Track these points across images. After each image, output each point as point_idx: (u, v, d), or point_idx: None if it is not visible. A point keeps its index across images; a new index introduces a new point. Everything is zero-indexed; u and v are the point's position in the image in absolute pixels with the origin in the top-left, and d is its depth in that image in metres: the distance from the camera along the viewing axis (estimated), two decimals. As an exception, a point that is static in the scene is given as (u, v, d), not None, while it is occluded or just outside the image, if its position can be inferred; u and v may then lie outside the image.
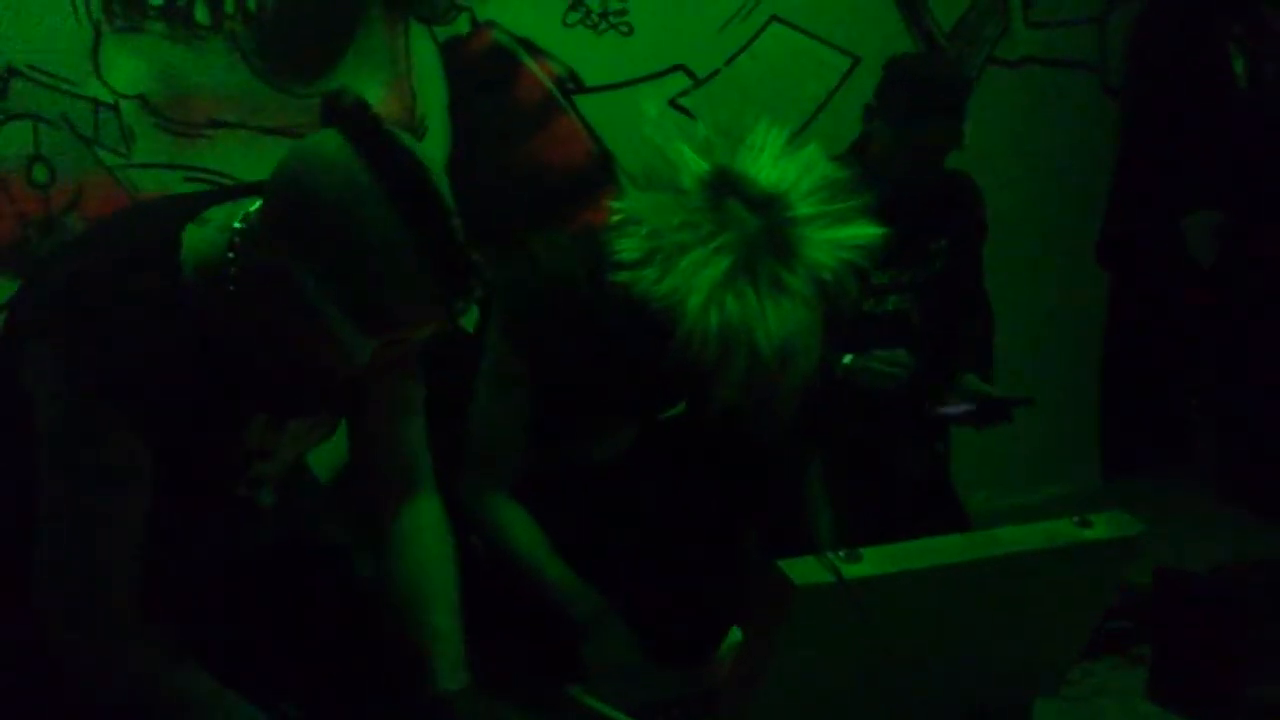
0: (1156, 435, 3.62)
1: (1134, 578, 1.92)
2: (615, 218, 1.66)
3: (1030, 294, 2.84)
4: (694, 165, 1.63)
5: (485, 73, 2.62)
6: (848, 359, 2.43)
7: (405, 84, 2.54)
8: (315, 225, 1.24)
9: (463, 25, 2.59)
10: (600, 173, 2.75)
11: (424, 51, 2.55)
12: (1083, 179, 3.30)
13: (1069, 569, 1.72)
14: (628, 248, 1.63)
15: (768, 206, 1.60)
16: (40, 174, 2.22)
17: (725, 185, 1.62)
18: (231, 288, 1.31)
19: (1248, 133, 3.15)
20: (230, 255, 1.32)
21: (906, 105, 2.43)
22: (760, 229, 1.59)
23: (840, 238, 1.62)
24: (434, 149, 2.52)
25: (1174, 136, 3.23)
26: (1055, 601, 1.75)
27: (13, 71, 2.17)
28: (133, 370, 1.30)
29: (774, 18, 2.90)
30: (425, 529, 1.61)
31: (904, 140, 2.43)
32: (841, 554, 1.49)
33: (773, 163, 1.63)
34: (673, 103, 2.79)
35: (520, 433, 1.90)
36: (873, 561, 1.51)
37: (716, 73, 2.84)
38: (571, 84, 2.71)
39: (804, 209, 1.61)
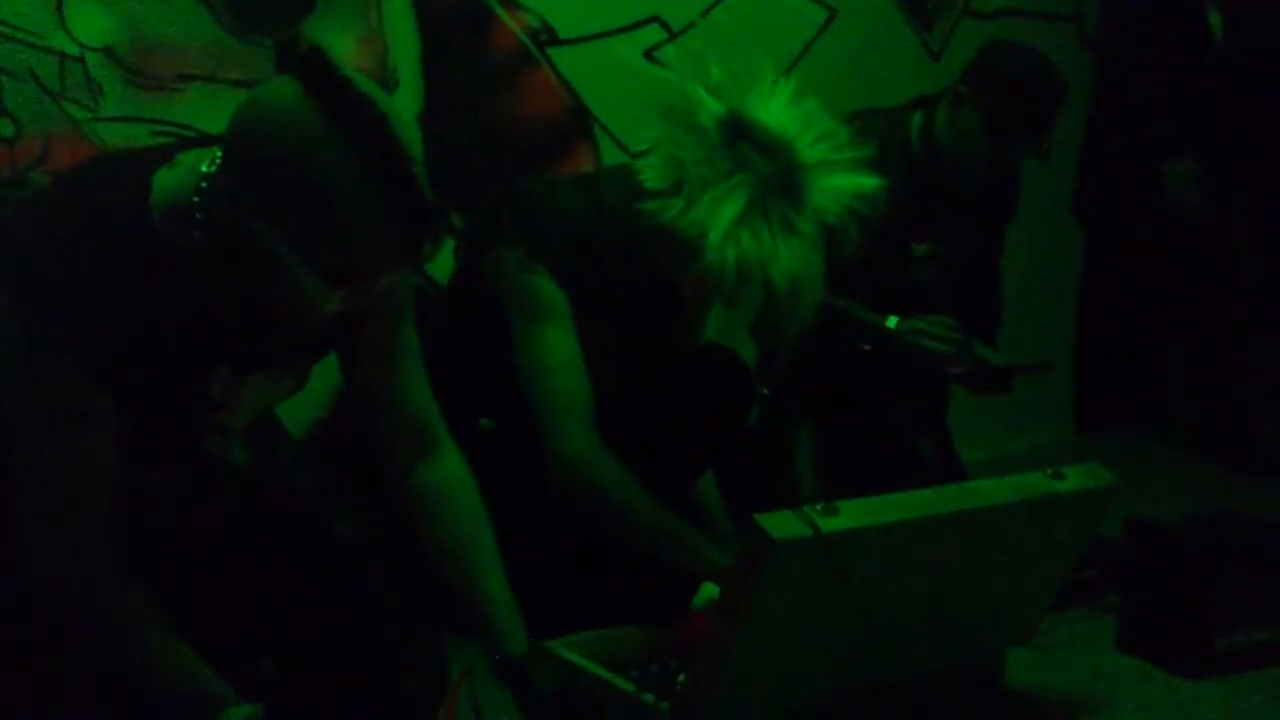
0: (1129, 390, 3.65)
1: (1105, 530, 1.94)
2: (642, 145, 1.84)
3: (1007, 247, 2.85)
4: (710, 105, 1.77)
5: (458, 25, 2.58)
6: (893, 321, 2.43)
7: (376, 36, 2.51)
8: (272, 176, 1.22)
9: (435, -24, 2.55)
10: (575, 126, 2.73)
11: (395, 3, 2.51)
12: (1059, 131, 3.30)
13: (1042, 521, 1.74)
14: (655, 176, 1.80)
15: (777, 151, 1.76)
16: (6, 128, 2.18)
17: (738, 128, 1.76)
18: (196, 233, 1.30)
19: (1224, 81, 3.14)
20: (195, 200, 1.30)
21: (1008, 114, 2.40)
22: (771, 172, 1.74)
23: (843, 185, 1.78)
24: (406, 102, 2.49)
25: (1150, 87, 3.23)
26: (1028, 553, 1.77)
27: (-25, 24, 2.13)
28: (87, 312, 1.28)
29: (751, -31, 2.87)
30: (455, 486, 1.60)
31: (994, 141, 2.42)
32: (818, 508, 1.50)
33: (781, 110, 1.78)
34: (647, 55, 2.76)
35: (583, 367, 1.89)
36: (849, 515, 1.53)
37: (692, 25, 2.80)
38: (545, 36, 2.68)
39: (810, 155, 1.77)
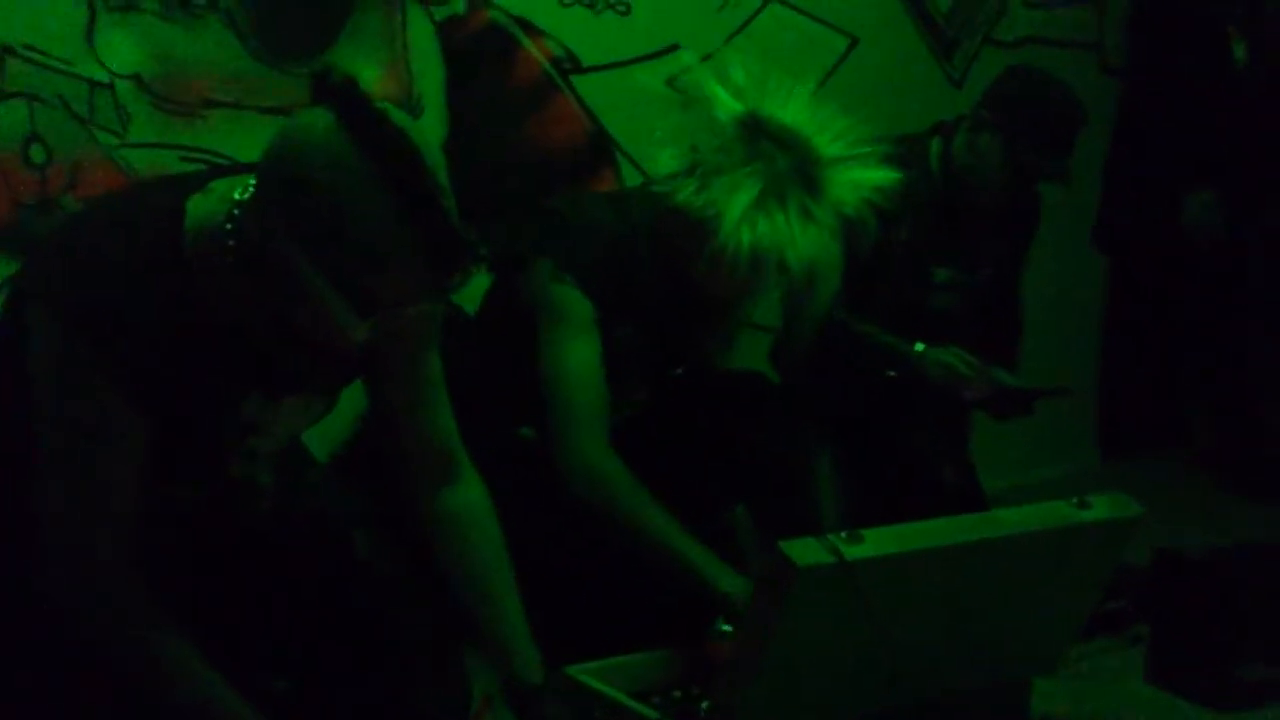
0: (1154, 418, 3.63)
1: (1132, 558, 1.93)
2: (657, 134, 1.85)
3: (1029, 275, 2.84)
4: (728, 103, 1.80)
5: (482, 53, 2.60)
6: (920, 347, 2.43)
7: (401, 63, 2.53)
8: (305, 206, 1.24)
9: (459, 5, 2.57)
10: (598, 154, 2.74)
11: (420, 31, 2.54)
12: (1080, 160, 3.30)
13: (1068, 550, 1.73)
14: (669, 158, 1.82)
15: (796, 147, 1.78)
16: (37, 154, 2.20)
17: (756, 126, 1.78)
18: (229, 260, 1.31)
19: (1247, 112, 3.14)
20: (228, 227, 1.31)
21: (1025, 137, 2.41)
22: (789, 166, 1.76)
23: (862, 178, 1.80)
24: (431, 129, 2.51)
25: (1172, 116, 3.22)
26: (1054, 582, 1.76)
27: (8, 51, 2.15)
28: (124, 333, 1.30)
29: (772, -3, 2.89)
30: (475, 513, 1.60)
31: (1013, 163, 2.42)
32: (843, 535, 1.50)
33: (799, 110, 1.81)
34: (670, 84, 2.78)
35: (605, 381, 1.89)
36: (874, 543, 1.52)
37: (715, 53, 2.82)
38: (569, 64, 2.69)
39: (829, 151, 1.79)
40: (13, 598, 1.43)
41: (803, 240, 1.74)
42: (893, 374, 2.47)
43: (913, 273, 2.52)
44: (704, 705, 1.68)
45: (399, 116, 1.28)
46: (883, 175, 1.81)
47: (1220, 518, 2.97)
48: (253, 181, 1.31)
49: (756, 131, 1.78)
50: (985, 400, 2.54)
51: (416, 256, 1.25)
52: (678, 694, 1.75)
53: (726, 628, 1.77)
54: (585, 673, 1.71)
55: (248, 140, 2.30)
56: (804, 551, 1.46)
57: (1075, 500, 1.73)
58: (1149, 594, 2.13)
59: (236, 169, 1.43)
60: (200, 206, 1.35)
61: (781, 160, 1.76)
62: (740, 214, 1.73)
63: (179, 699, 1.37)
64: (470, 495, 1.61)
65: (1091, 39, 3.46)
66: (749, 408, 2.12)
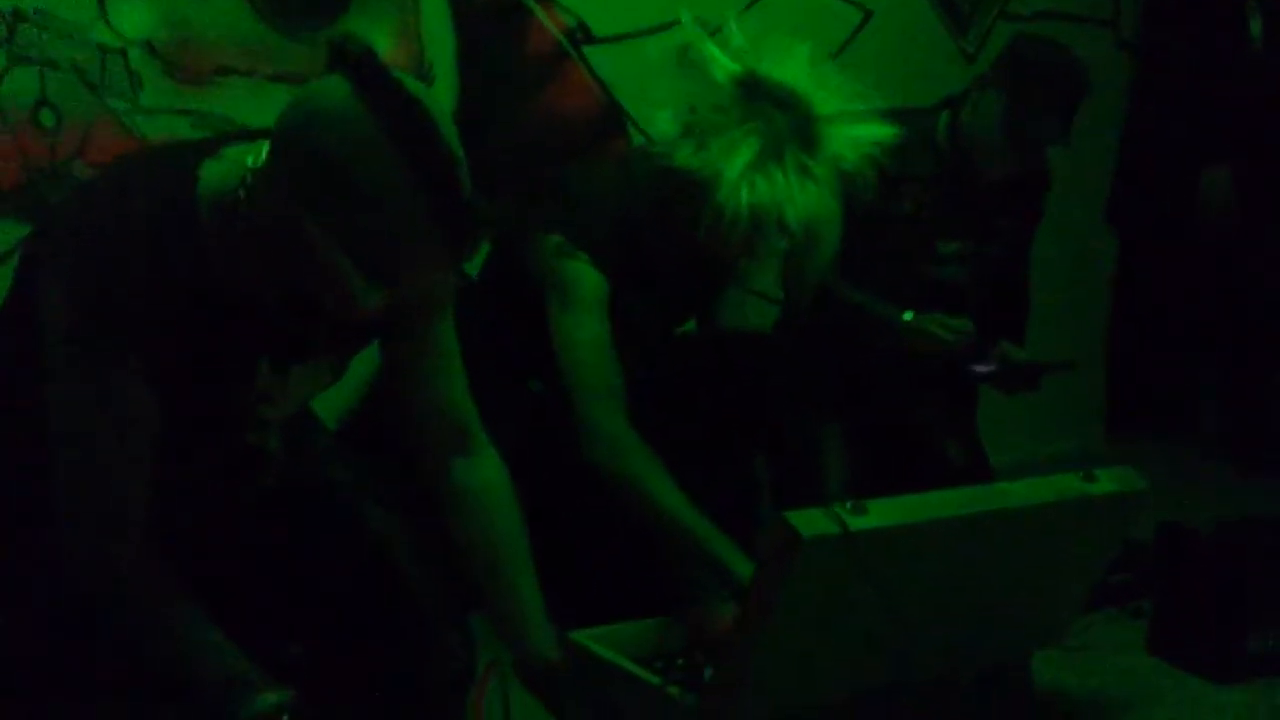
0: (1161, 396, 3.62)
1: (1136, 534, 1.93)
2: (655, 96, 1.86)
3: (1039, 250, 2.83)
4: (725, 63, 1.80)
5: (494, 22, 2.60)
6: (908, 315, 2.43)
7: (413, 32, 2.52)
8: (320, 175, 1.23)
9: (471, -27, 2.56)
10: (609, 124, 2.74)
11: (433, 0, 2.53)
12: (1094, 134, 3.28)
13: (1074, 524, 1.73)
14: (666, 120, 1.83)
15: (793, 105, 1.77)
16: (47, 119, 2.20)
17: (754, 85, 1.78)
18: (242, 226, 1.31)
19: (1262, 89, 3.12)
20: (242, 194, 1.31)
21: (1026, 96, 2.39)
22: (787, 123, 1.76)
23: (860, 134, 1.79)
24: (443, 98, 2.50)
25: (1188, 93, 3.20)
26: (1059, 555, 1.76)
27: (19, 16, 2.15)
28: (136, 299, 1.30)
29: (786, -30, 2.88)
30: (493, 490, 1.60)
31: (1014, 127, 2.41)
32: (848, 506, 1.50)
33: (797, 68, 1.80)
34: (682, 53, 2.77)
35: (614, 354, 1.89)
36: (878, 514, 1.52)
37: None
38: (581, 34, 2.68)
39: (826, 108, 1.79)
40: (25, 564, 1.44)
41: (802, 198, 1.75)
42: (882, 344, 2.46)
43: (918, 246, 2.52)
44: (707, 672, 1.69)
45: (415, 86, 1.28)
46: (881, 131, 1.81)
47: (1224, 496, 2.97)
48: (267, 148, 1.31)
49: (754, 91, 1.77)
50: (992, 375, 2.53)
51: (431, 226, 1.25)
52: (681, 661, 1.76)
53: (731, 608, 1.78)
54: (590, 638, 1.72)
55: (259, 107, 2.30)
56: (809, 522, 1.47)
57: (1081, 474, 1.73)
58: (1153, 567, 2.13)
59: (250, 135, 1.43)
60: (213, 172, 1.35)
61: (779, 119, 1.75)
62: (739, 174, 1.73)
63: (195, 667, 1.38)
64: (487, 471, 1.61)
65: (1107, 14, 3.43)
66: (757, 365, 2.13)
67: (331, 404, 2.05)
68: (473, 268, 2.16)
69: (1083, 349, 3.39)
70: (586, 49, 2.70)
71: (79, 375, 1.32)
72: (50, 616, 1.43)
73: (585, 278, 1.89)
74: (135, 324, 1.30)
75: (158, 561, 1.36)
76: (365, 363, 1.79)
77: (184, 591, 1.38)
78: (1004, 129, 2.40)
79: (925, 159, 2.47)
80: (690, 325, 2.18)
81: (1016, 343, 2.61)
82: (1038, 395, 2.69)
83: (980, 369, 2.49)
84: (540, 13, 2.64)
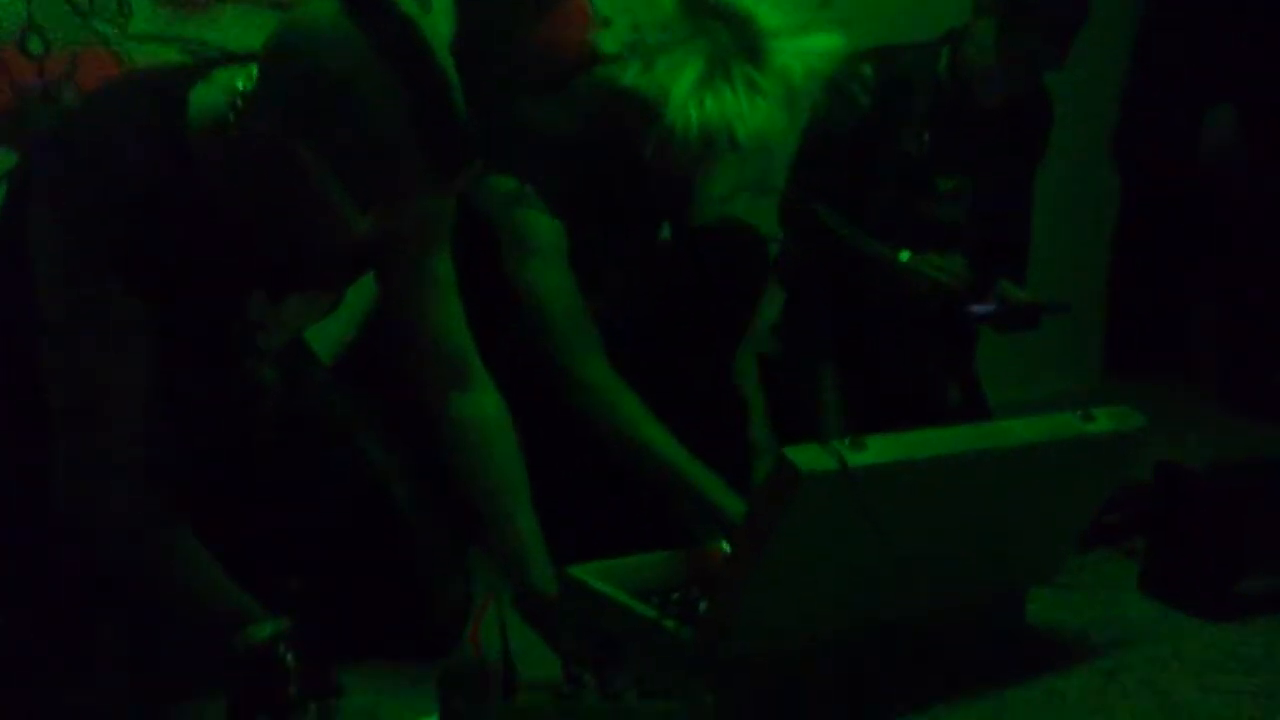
0: (1160, 337, 3.61)
1: (1131, 474, 1.93)
2: (598, 16, 1.87)
3: (1040, 187, 2.80)
4: None
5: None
6: (905, 255, 2.41)
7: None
8: (311, 98, 1.21)
9: (468, -102, 2.50)
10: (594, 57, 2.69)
11: (428, -76, 2.48)
12: (1099, 72, 3.24)
13: (1071, 462, 1.73)
14: (610, 39, 1.84)
15: (738, 20, 1.77)
16: (34, 44, 2.16)
17: (698, 2, 1.78)
18: (232, 150, 1.29)
19: (1269, 27, 3.07)
20: (231, 118, 1.29)
21: (1019, 18, 2.35)
22: (732, 39, 1.75)
23: (807, 46, 1.79)
24: (441, 27, 2.46)
25: (1194, 30, 3.16)
26: (1055, 494, 1.77)
27: (5, -61, 2.11)
28: (126, 225, 1.28)
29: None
30: (491, 423, 1.59)
31: (1007, 50, 2.37)
32: (846, 442, 1.50)
33: None
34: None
35: (580, 298, 1.88)
36: (877, 450, 1.52)
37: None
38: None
39: (771, 21, 1.78)
40: (17, 498, 1.43)
41: (751, 114, 1.75)
42: (876, 283, 2.45)
43: (918, 183, 2.49)
44: (702, 607, 1.69)
45: (409, 7, 1.25)
46: (829, 41, 1.80)
47: (1220, 437, 2.97)
48: (256, 71, 1.29)
49: (697, 6, 1.77)
50: (991, 315, 2.52)
51: (422, 149, 1.23)
52: (676, 596, 1.76)
53: (725, 547, 1.79)
54: (585, 572, 1.72)
55: (251, 34, 2.26)
56: (807, 458, 1.46)
57: (1080, 412, 1.73)
58: (1148, 507, 2.13)
59: (239, 58, 1.40)
60: (203, 96, 1.33)
61: (724, 34, 1.75)
62: (686, 92, 1.74)
63: (192, 597, 1.38)
64: (485, 404, 1.60)
65: (1114, -52, 3.37)
66: (736, 254, 2.12)
67: (328, 339, 2.04)
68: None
69: (1082, 290, 3.37)
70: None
71: (70, 301, 1.30)
72: (45, 543, 1.43)
73: (541, 226, 1.86)
74: (126, 249, 1.29)
75: (156, 494, 1.35)
76: (361, 294, 1.78)
77: (182, 525, 1.37)
78: (999, 53, 2.37)
79: (926, 94, 2.44)
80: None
81: (1016, 282, 2.59)
82: (1035, 336, 2.68)
83: (979, 309, 2.48)
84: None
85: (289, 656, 1.32)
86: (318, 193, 1.24)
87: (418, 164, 1.24)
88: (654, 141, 1.79)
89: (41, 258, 1.31)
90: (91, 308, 1.30)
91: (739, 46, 1.75)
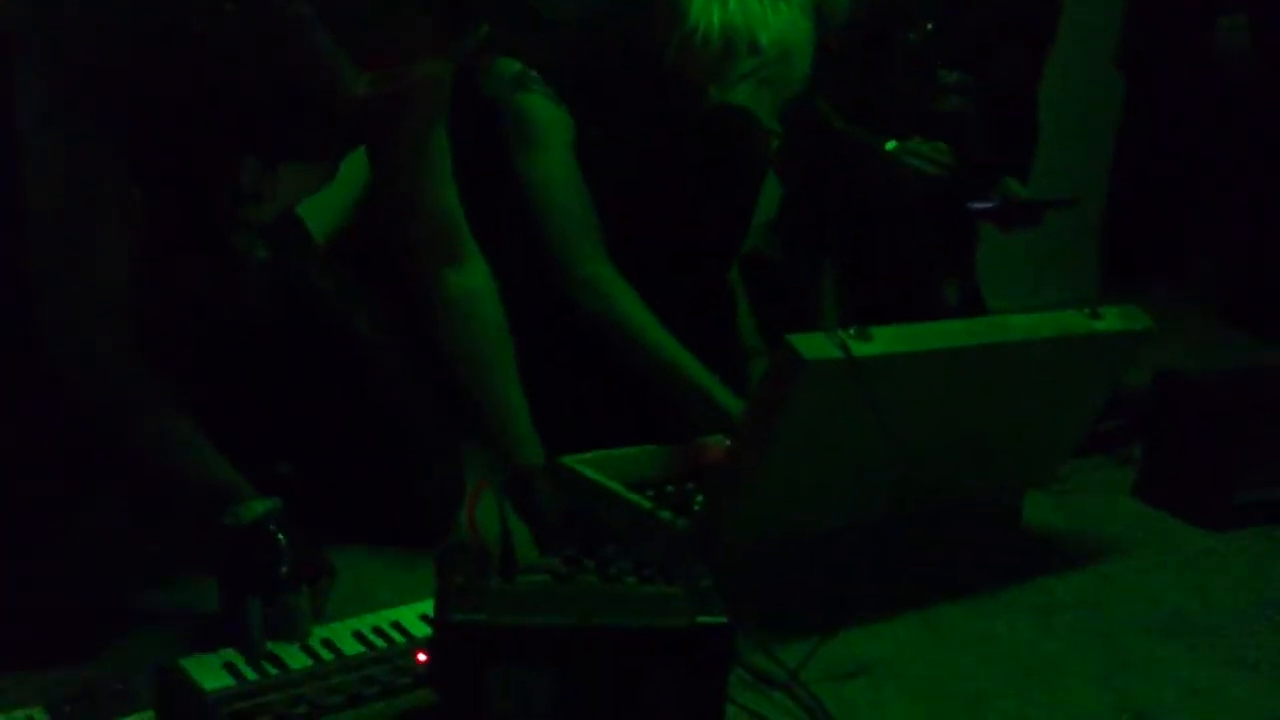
0: (1161, 246, 3.58)
1: (1128, 380, 1.91)
2: None
3: (1045, 89, 2.75)
4: None
5: None
6: (891, 145, 2.36)
7: None
8: None
9: None
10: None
11: None
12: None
13: (1076, 359, 1.71)
14: None
15: None
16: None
17: None
18: (227, 7, 1.24)
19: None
20: None
21: None
22: None
23: None
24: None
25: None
26: (1058, 392, 1.75)
27: None
28: (112, 81, 1.24)
29: None
30: (480, 297, 1.58)
31: None
32: (851, 331, 1.47)
33: None
34: None
35: (585, 190, 1.85)
36: (882, 341, 1.49)
37: None
38: None
39: None
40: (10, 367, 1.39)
41: (774, 18, 1.75)
42: (854, 173, 2.41)
43: (921, 75, 2.44)
44: (697, 500, 1.68)
45: None
46: None
47: (1218, 349, 2.96)
48: None
49: None
50: (993, 210, 2.48)
51: (420, 10, 1.20)
52: (671, 488, 1.75)
53: (721, 441, 1.77)
54: (581, 462, 1.70)
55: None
56: (812, 346, 1.44)
57: (1087, 310, 1.71)
58: (1146, 414, 2.12)
59: None
60: None
61: None
62: None
63: (182, 471, 1.34)
64: (474, 279, 1.59)
65: None
66: (736, 140, 2.08)
67: (321, 221, 2.00)
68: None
69: (1084, 194, 3.33)
70: None
71: (55, 154, 1.26)
72: (36, 412, 1.39)
73: (545, 113, 1.83)
74: (113, 105, 1.24)
75: (142, 359, 1.32)
76: (354, 177, 1.73)
77: (172, 396, 1.34)
78: None
79: None
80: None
81: (1020, 179, 2.55)
82: (1033, 244, 2.65)
83: (981, 205, 2.44)
84: None
85: (280, 536, 1.30)
86: (313, 51, 1.20)
87: (416, 25, 1.21)
88: (675, 42, 1.76)
89: (28, 118, 1.26)
90: (75, 158, 1.26)
91: None
